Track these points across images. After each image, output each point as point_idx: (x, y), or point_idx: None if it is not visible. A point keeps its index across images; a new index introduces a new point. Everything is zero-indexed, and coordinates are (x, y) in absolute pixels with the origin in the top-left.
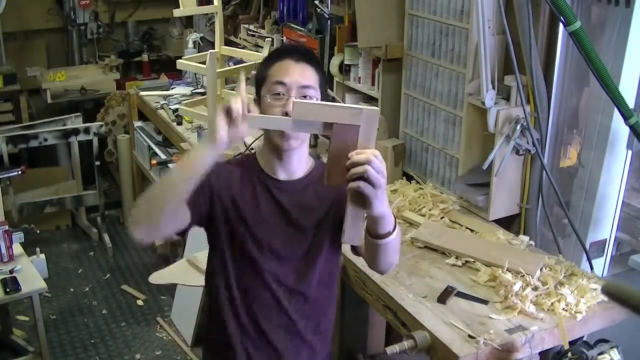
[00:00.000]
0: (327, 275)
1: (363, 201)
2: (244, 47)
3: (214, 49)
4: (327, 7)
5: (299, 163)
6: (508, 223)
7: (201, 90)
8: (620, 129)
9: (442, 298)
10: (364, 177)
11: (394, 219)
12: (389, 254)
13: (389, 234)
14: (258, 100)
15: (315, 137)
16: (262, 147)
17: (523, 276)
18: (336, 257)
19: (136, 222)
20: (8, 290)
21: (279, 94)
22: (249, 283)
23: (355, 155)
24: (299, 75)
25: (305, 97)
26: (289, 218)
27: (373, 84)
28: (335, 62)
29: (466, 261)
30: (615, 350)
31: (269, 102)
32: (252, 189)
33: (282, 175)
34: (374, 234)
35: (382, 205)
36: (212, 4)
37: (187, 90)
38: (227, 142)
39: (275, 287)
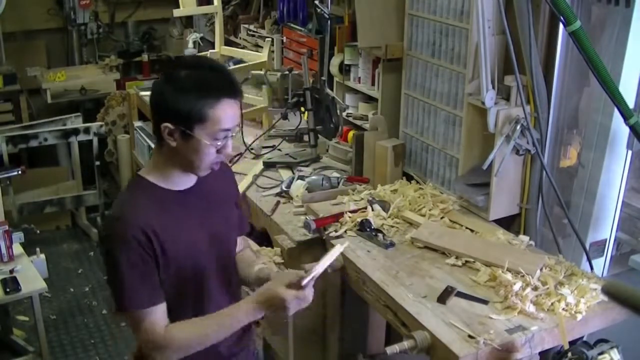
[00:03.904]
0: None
1: None
2: (244, 47)
3: (214, 49)
4: (327, 7)
5: None
6: (508, 223)
7: None
8: (620, 129)
9: (442, 298)
10: None
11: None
12: None
13: None
14: (187, 135)
15: (315, 137)
16: (157, 166)
17: (523, 276)
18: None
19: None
20: (8, 290)
21: (221, 139)
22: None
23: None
24: (238, 116)
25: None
26: (205, 217)
27: (373, 84)
28: (335, 62)
29: (466, 261)
30: (615, 350)
31: (208, 144)
32: (169, 214)
33: (181, 186)
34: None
35: None
36: (212, 4)
37: None
38: None
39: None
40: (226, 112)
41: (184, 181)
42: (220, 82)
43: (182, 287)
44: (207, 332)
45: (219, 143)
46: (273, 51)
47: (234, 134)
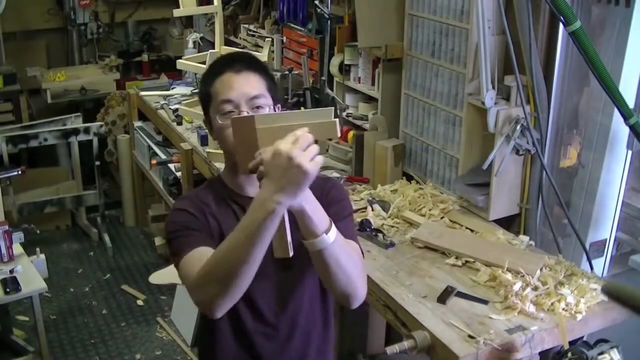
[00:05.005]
0: (318, 293)
1: None
2: (244, 47)
3: (214, 49)
4: (327, 7)
5: None
6: (508, 223)
7: None
8: (620, 129)
9: (442, 298)
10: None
11: (329, 223)
12: (331, 264)
13: (318, 235)
14: (208, 121)
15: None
16: (225, 168)
17: (523, 276)
18: None
19: (215, 304)
20: (8, 290)
21: (228, 112)
22: (241, 310)
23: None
24: (244, 86)
25: (257, 107)
26: None
27: (373, 84)
28: (335, 62)
29: (466, 261)
30: (615, 350)
31: (220, 123)
32: (232, 213)
33: (252, 192)
34: (304, 236)
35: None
36: (212, 4)
37: (187, 90)
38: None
39: (267, 309)
40: (224, 83)
41: (251, 188)
42: (225, 60)
43: None
44: (223, 245)
45: (226, 117)
46: (273, 51)
47: (247, 111)
